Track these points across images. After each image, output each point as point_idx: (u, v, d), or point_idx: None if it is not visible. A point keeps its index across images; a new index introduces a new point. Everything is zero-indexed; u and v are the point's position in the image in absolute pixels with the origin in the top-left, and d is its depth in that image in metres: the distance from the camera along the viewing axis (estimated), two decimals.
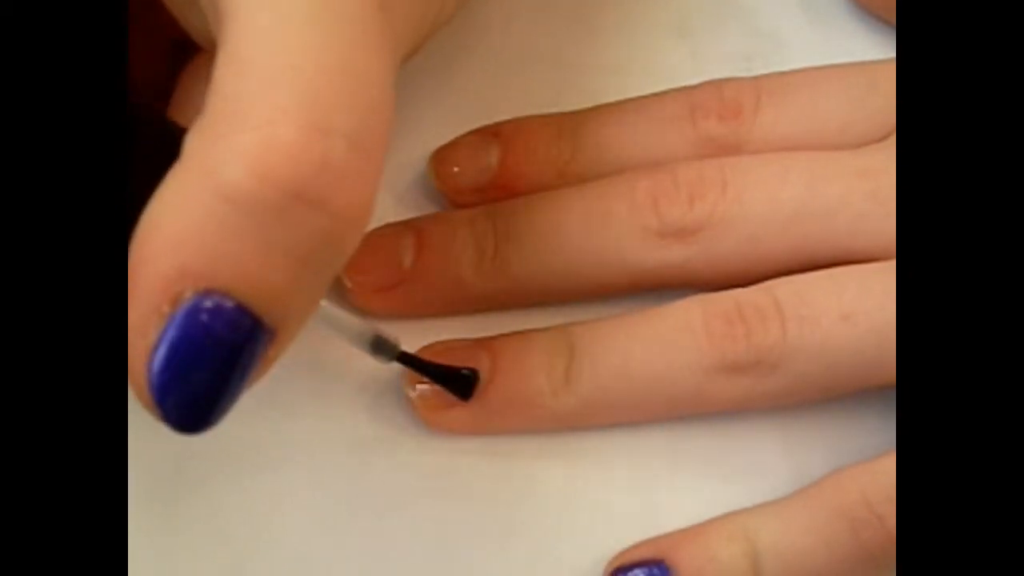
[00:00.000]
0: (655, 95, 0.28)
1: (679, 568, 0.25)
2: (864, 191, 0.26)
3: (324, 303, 0.25)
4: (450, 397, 0.26)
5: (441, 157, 0.28)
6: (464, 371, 0.26)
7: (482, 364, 0.26)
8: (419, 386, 0.27)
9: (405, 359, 0.26)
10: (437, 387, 0.26)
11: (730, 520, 0.26)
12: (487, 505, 0.27)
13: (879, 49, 0.30)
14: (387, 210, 0.28)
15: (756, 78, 0.28)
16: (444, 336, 0.27)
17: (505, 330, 0.27)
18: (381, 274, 0.27)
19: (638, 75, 0.29)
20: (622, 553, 0.26)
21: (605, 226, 0.27)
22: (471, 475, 0.27)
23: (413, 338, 0.27)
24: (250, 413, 0.27)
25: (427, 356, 0.27)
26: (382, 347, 0.25)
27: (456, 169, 0.28)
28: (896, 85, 0.27)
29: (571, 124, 0.28)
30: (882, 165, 0.26)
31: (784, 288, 0.26)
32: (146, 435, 0.27)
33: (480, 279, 0.27)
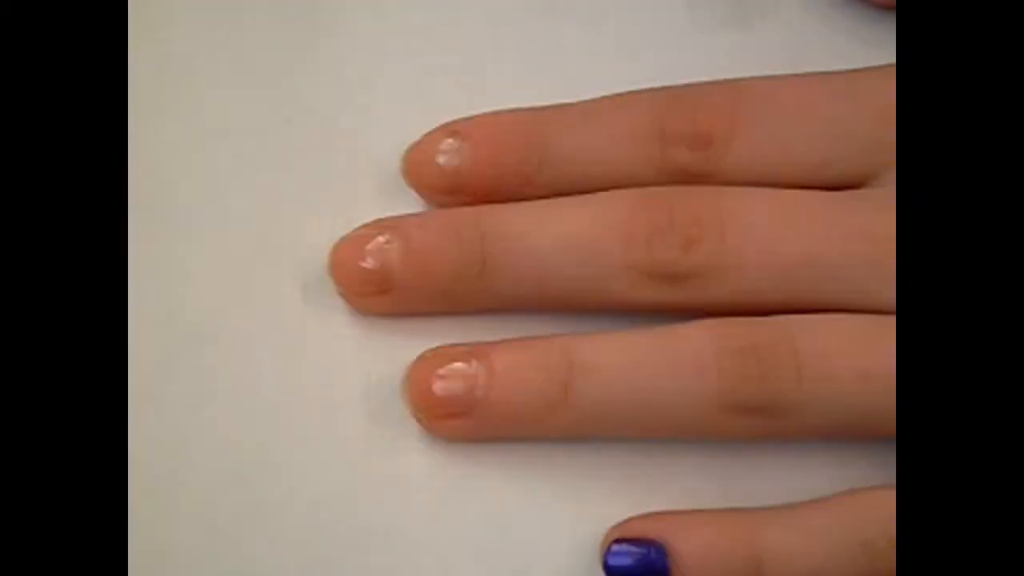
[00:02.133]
0: (628, 100, 0.27)
1: (678, 557, 0.25)
2: (862, 256, 0.25)
3: None
4: (449, 407, 0.26)
5: (411, 159, 0.28)
6: None
7: (479, 374, 0.26)
8: (415, 398, 0.27)
9: None
10: (436, 397, 0.26)
11: (742, 518, 0.26)
12: (487, 505, 0.27)
13: None
14: (369, 200, 0.28)
15: (736, 92, 0.27)
16: (440, 337, 0.27)
17: (504, 332, 0.27)
18: (367, 283, 0.27)
19: (630, 24, 0.29)
20: (623, 523, 0.26)
21: (597, 260, 0.26)
22: (472, 477, 0.27)
23: (410, 338, 0.27)
24: (251, 415, 0.27)
25: (424, 362, 0.27)
26: None
27: (426, 171, 0.28)
28: (896, 103, 0.26)
29: (539, 131, 0.27)
30: (884, 228, 0.25)
31: (803, 334, 0.25)
32: (146, 434, 0.27)
33: (467, 293, 0.27)
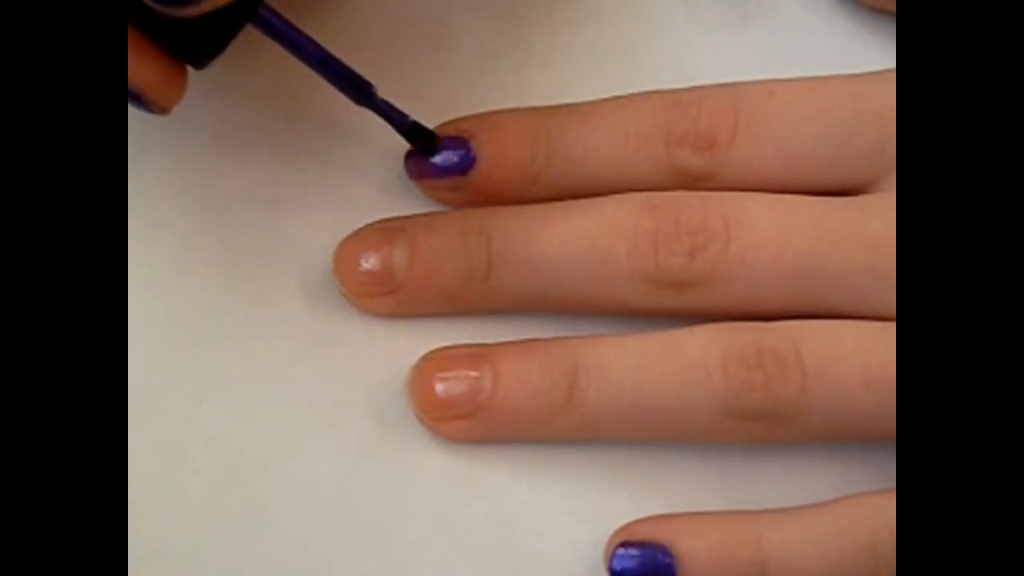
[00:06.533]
0: (633, 102, 0.28)
1: (683, 559, 0.25)
2: (865, 264, 0.26)
3: None
4: (453, 408, 0.26)
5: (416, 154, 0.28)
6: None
7: (484, 377, 0.26)
8: (419, 400, 0.27)
9: None
10: (440, 399, 0.27)
11: (747, 522, 0.26)
12: (489, 506, 0.27)
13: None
14: (370, 200, 0.28)
15: (739, 96, 0.27)
16: (445, 339, 0.27)
17: (508, 334, 0.27)
18: (374, 283, 0.27)
19: (630, 22, 0.29)
20: (628, 526, 0.26)
21: (603, 266, 0.26)
22: (473, 478, 0.27)
23: (413, 339, 0.27)
24: (251, 415, 0.27)
25: (428, 363, 0.27)
26: None
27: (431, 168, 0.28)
28: (896, 109, 0.26)
29: (545, 130, 0.27)
30: (887, 236, 0.26)
31: (809, 341, 0.25)
32: (146, 434, 0.27)
33: (472, 296, 0.27)
